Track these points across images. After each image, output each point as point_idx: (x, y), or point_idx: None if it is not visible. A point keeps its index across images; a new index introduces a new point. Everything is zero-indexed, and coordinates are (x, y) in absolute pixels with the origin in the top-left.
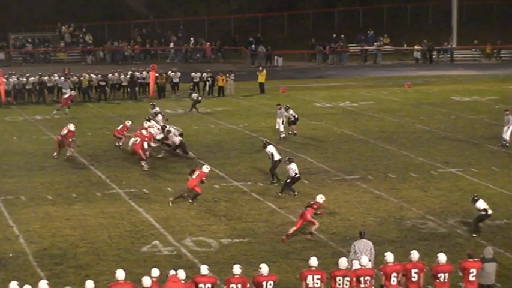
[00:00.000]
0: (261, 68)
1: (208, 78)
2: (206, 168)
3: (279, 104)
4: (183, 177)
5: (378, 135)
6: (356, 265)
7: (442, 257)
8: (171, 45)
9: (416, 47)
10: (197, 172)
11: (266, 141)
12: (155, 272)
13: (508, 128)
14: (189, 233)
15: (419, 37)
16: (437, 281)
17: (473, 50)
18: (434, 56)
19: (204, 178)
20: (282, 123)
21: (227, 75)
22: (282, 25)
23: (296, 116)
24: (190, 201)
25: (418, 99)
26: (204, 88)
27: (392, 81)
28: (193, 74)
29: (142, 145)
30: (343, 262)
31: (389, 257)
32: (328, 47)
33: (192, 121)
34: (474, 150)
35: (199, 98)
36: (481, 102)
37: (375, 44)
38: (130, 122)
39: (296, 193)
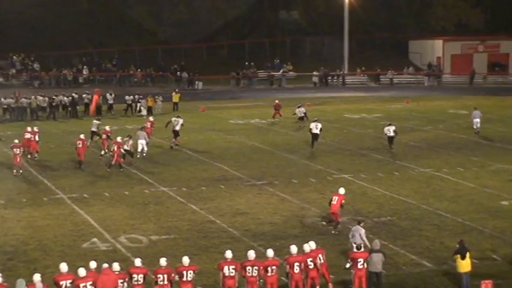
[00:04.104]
0: (177, 90)
1: (140, 100)
2: (342, 190)
3: (144, 125)
4: (118, 183)
5: (283, 147)
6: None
7: (293, 249)
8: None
9: (314, 72)
10: (335, 197)
11: (390, 123)
12: (93, 264)
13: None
14: (123, 231)
15: (317, 64)
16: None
17: (362, 75)
18: (329, 80)
19: (343, 201)
20: (146, 144)
21: (156, 96)
22: (201, 54)
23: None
24: (334, 232)
25: (316, 116)
26: (135, 108)
27: (295, 102)
28: (126, 96)
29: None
30: (251, 254)
31: (293, 249)
32: (240, 73)
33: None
34: (362, 159)
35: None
36: (368, 119)
37: (280, 70)
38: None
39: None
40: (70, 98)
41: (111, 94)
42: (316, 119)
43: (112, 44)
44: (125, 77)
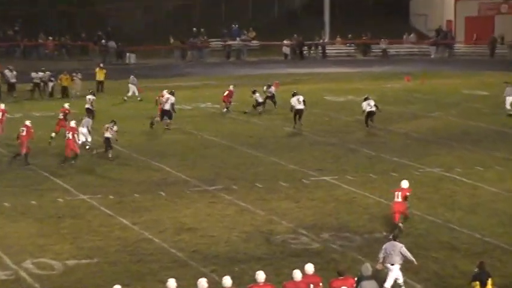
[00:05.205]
0: (102, 65)
1: (51, 78)
2: (405, 183)
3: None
4: (22, 189)
5: (244, 140)
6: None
7: (260, 276)
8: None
9: (285, 41)
10: (398, 193)
11: (367, 96)
12: None
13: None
14: (29, 254)
15: (289, 31)
16: None
17: (348, 45)
18: (305, 52)
19: (408, 194)
20: (89, 134)
21: (73, 74)
22: (135, 17)
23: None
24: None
25: (287, 99)
26: (44, 89)
27: (259, 80)
28: (33, 73)
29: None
30: (202, 283)
31: (260, 276)
32: (187, 42)
33: (34, 126)
34: (350, 155)
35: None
36: (357, 102)
37: (239, 38)
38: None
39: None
40: None
41: (11, 70)
42: (295, 91)
43: (14, 3)
44: (31, 47)
